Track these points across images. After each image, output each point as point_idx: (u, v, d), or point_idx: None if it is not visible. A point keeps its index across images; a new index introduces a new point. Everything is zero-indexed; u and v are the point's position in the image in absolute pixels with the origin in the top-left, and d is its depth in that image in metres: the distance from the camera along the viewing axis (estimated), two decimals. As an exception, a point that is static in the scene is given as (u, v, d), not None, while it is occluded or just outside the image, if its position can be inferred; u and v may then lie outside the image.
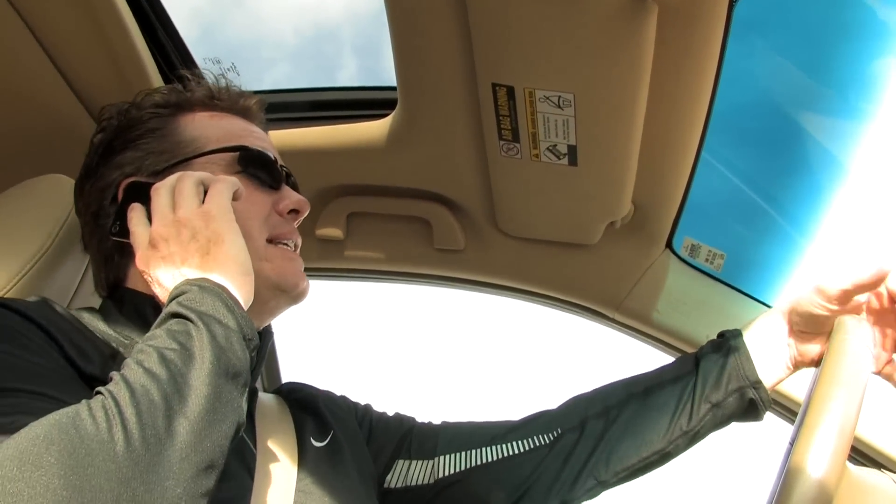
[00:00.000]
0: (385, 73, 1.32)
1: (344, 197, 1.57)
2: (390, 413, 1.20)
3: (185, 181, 0.89)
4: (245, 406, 0.75)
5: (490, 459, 1.11)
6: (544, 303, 1.63)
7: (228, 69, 1.61)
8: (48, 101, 1.47)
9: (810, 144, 1.43)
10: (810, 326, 1.03)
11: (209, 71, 1.13)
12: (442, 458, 1.12)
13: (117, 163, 1.02)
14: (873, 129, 1.36)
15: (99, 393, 0.67)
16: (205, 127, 1.05)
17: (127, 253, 0.95)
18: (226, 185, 0.89)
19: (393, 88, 1.35)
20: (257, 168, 1.02)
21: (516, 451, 1.11)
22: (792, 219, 1.50)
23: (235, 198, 0.90)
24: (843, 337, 0.95)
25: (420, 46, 1.23)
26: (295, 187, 1.08)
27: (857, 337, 0.96)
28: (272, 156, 1.05)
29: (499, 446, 1.12)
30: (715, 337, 1.13)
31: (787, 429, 1.14)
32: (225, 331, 0.75)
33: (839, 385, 0.89)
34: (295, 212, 1.04)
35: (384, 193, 1.53)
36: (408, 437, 1.14)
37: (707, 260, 1.50)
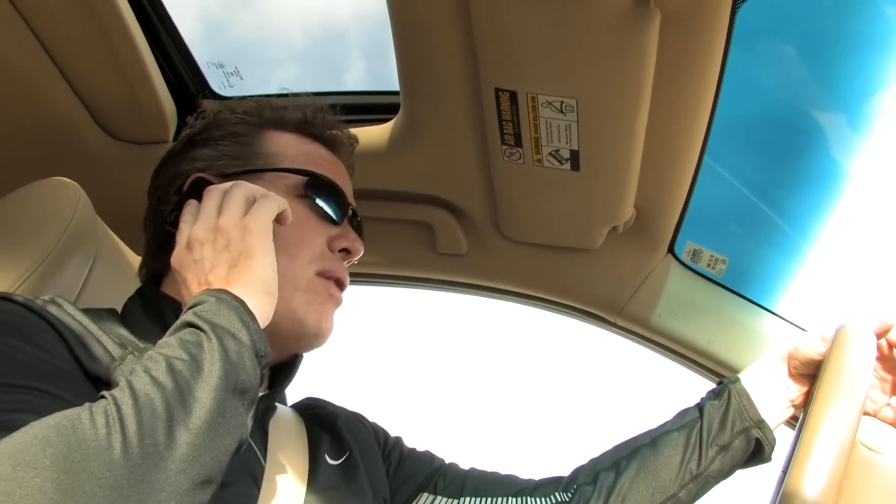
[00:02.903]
0: (393, 76, 1.31)
1: (346, 200, 1.57)
2: (420, 448, 1.20)
3: (236, 190, 0.87)
4: (250, 424, 0.74)
5: None
6: (546, 307, 1.63)
7: (231, 73, 1.62)
8: (52, 105, 1.47)
9: (813, 150, 1.43)
10: (810, 369, 1.07)
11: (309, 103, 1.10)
12: (467, 499, 1.12)
13: (193, 156, 1.02)
14: (877, 136, 1.36)
15: (103, 397, 0.67)
16: (286, 145, 1.04)
17: (174, 245, 0.93)
18: (272, 202, 0.86)
19: (396, 93, 1.36)
20: (322, 197, 1.00)
21: None
22: (794, 223, 1.50)
23: (281, 220, 0.88)
24: (843, 351, 0.95)
25: (423, 50, 1.23)
26: (359, 231, 1.05)
27: (857, 351, 0.96)
28: (341, 190, 1.03)
29: (523, 498, 1.13)
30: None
31: (786, 433, 1.14)
32: (237, 345, 0.73)
33: (835, 406, 0.88)
34: (347, 251, 1.02)
35: (386, 197, 1.53)
36: (437, 474, 1.15)
37: (709, 265, 1.50)
